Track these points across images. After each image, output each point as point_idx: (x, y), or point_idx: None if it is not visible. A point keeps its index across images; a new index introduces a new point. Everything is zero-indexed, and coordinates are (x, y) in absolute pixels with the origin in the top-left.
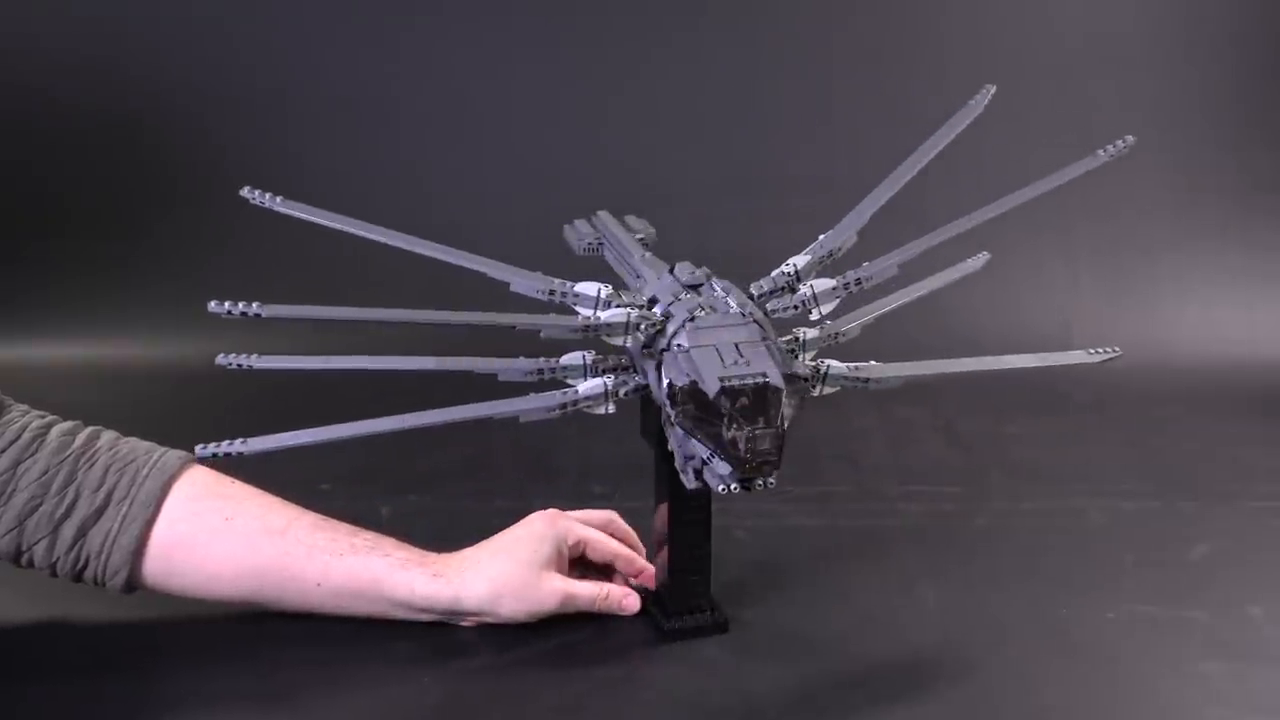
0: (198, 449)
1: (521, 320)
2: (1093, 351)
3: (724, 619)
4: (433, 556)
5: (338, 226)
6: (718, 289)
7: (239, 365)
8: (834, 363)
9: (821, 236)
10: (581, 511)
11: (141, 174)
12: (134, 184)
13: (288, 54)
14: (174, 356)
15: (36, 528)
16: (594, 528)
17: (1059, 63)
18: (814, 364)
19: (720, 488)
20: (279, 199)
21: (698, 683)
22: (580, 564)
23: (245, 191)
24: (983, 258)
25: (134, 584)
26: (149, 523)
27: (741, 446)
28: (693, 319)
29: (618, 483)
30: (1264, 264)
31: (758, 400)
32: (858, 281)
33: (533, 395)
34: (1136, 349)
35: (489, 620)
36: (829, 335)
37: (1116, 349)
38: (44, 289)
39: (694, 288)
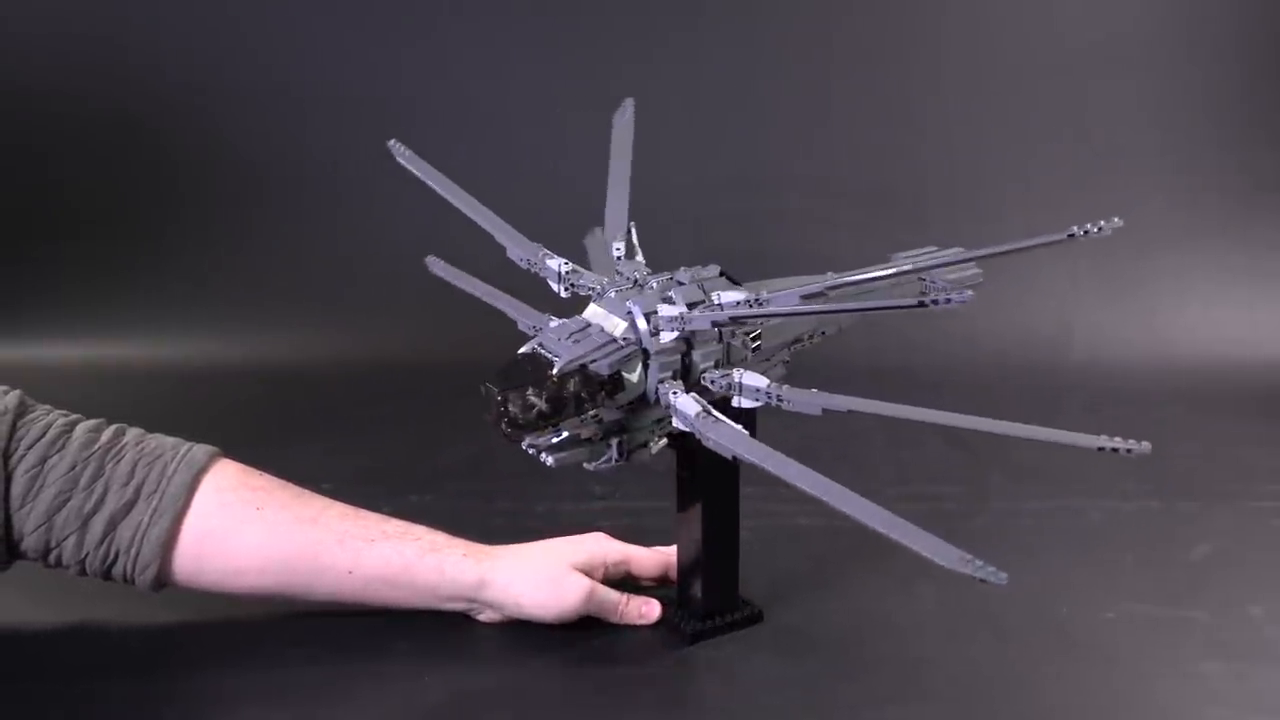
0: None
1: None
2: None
3: (693, 631)
4: (463, 541)
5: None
6: (675, 294)
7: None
8: (682, 404)
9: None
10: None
11: (149, 176)
12: (142, 186)
13: (293, 56)
14: (178, 357)
15: (65, 523)
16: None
17: (1060, 63)
18: (668, 401)
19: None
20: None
21: (698, 682)
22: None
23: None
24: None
25: (163, 580)
26: (179, 515)
27: (483, 392)
28: (601, 296)
29: (618, 483)
30: (1265, 263)
31: (540, 375)
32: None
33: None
34: (1136, 349)
35: (511, 614)
36: (771, 393)
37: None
38: (55, 290)
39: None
